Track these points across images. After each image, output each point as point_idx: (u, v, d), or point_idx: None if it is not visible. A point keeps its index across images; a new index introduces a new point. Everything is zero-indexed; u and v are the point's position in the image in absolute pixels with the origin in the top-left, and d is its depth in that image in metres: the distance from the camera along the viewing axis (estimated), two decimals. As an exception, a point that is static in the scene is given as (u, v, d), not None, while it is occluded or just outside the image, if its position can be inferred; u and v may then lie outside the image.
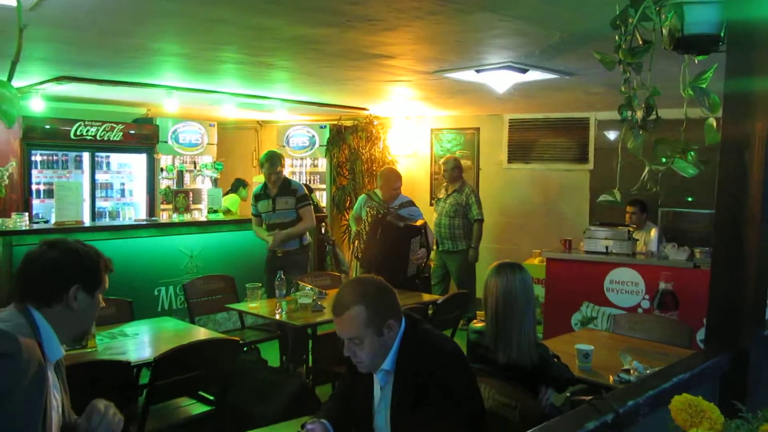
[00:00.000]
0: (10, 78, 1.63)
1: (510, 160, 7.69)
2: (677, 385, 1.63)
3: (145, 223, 6.15)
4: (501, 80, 4.64)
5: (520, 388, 2.48)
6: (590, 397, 1.55)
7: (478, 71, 4.51)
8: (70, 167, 7.50)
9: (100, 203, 7.72)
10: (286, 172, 7.95)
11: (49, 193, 6.97)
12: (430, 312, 4.35)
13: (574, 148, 7.23)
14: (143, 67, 4.84)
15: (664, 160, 1.89)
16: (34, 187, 7.13)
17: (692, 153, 1.86)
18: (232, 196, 7.98)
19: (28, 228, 5.32)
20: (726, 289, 1.96)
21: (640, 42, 1.85)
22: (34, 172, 7.14)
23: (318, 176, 8.93)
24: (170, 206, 7.64)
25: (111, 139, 7.56)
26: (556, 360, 2.74)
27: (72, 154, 7.50)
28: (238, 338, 3.55)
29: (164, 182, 8.16)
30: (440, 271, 6.67)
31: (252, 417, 3.45)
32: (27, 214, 5.62)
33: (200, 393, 3.50)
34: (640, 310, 5.02)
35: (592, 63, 3.92)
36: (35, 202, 7.08)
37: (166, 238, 6.04)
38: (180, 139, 8.25)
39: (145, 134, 7.94)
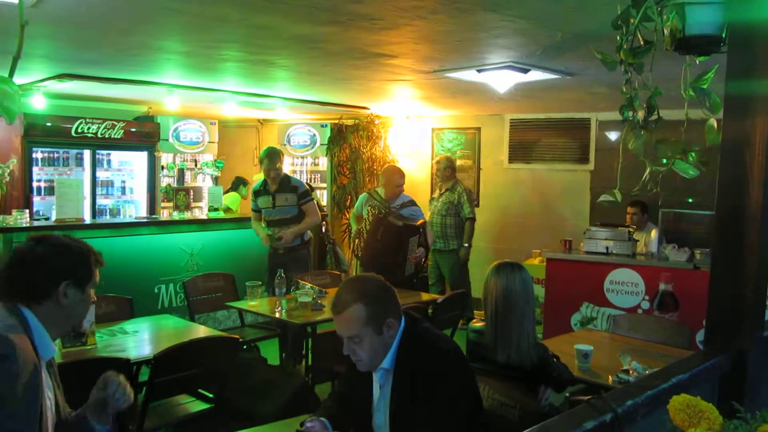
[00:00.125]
0: (11, 74, 1.63)
1: (511, 160, 7.69)
2: (676, 386, 1.63)
3: (145, 220, 6.15)
4: (502, 80, 4.64)
5: (520, 388, 2.48)
6: (589, 397, 1.55)
7: (479, 71, 4.51)
8: (71, 165, 7.51)
9: (100, 201, 7.73)
10: (287, 170, 7.97)
11: (50, 191, 6.97)
12: (430, 311, 4.35)
13: (575, 149, 7.22)
14: (144, 65, 4.85)
15: (665, 160, 1.89)
16: (34, 184, 7.13)
17: (693, 154, 1.86)
18: (233, 195, 7.98)
19: (28, 225, 5.32)
20: (725, 290, 1.96)
21: (642, 42, 1.85)
22: (35, 169, 7.14)
23: (319, 175, 8.94)
24: (171, 204, 7.66)
25: (112, 136, 7.56)
26: (555, 360, 2.74)
27: (73, 152, 7.50)
28: (237, 336, 3.55)
29: (165, 180, 8.17)
30: (437, 271, 6.69)
31: (251, 415, 3.46)
32: (28, 211, 5.62)
33: (200, 391, 3.50)
34: (639, 311, 5.02)
35: (594, 63, 3.93)
36: (36, 199, 7.08)
37: (166, 236, 6.04)
38: (181, 137, 8.26)
39: (146, 132, 7.94)
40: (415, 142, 8.36)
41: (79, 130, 7.29)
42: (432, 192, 8.09)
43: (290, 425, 2.28)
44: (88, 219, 6.58)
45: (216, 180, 8.68)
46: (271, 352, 5.03)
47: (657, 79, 1.88)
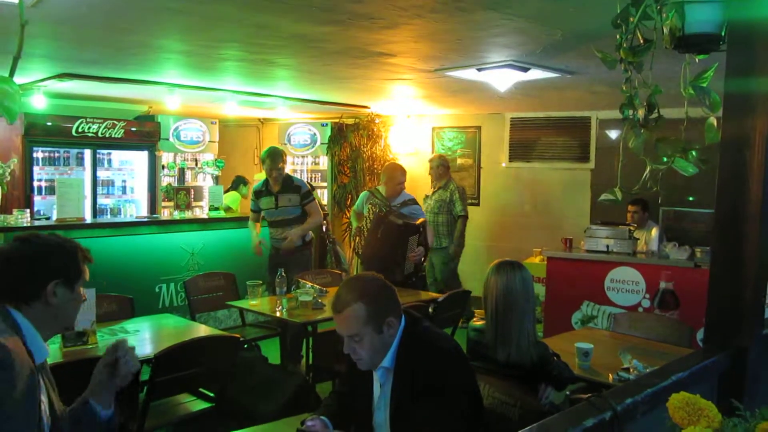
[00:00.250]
0: (11, 74, 1.63)
1: (511, 158, 7.69)
2: (675, 384, 1.63)
3: (146, 220, 6.15)
4: (502, 79, 4.64)
5: (520, 387, 2.48)
6: (589, 396, 1.55)
7: (479, 70, 4.51)
8: (72, 164, 7.52)
9: (101, 200, 7.73)
10: (288, 169, 7.96)
11: (51, 190, 6.97)
12: (430, 311, 4.35)
13: (576, 147, 7.23)
14: (145, 65, 4.85)
15: (665, 159, 1.89)
16: (35, 183, 7.14)
17: (693, 152, 1.86)
18: (233, 194, 7.99)
19: (29, 224, 5.32)
20: (725, 289, 1.96)
21: (641, 41, 1.85)
22: (35, 168, 7.15)
23: (319, 174, 8.94)
24: (171, 203, 7.67)
25: (112, 136, 7.57)
26: (555, 358, 2.74)
27: (73, 151, 7.51)
28: (238, 335, 3.55)
29: (165, 179, 8.17)
30: (432, 270, 6.70)
31: (252, 414, 3.46)
32: (28, 210, 5.62)
33: (200, 390, 3.51)
34: (640, 309, 5.02)
35: (594, 62, 3.93)
36: (37, 198, 7.09)
37: (167, 236, 6.05)
38: (181, 136, 8.26)
39: (146, 131, 7.94)
40: (416, 141, 8.36)
41: (80, 130, 7.29)
42: (432, 191, 8.11)
43: (291, 424, 2.29)
44: (88, 218, 6.58)
45: (217, 179, 8.68)
46: (271, 351, 5.04)
47: (657, 77, 1.88)
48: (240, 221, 6.47)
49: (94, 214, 7.52)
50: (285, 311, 4.13)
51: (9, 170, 5.96)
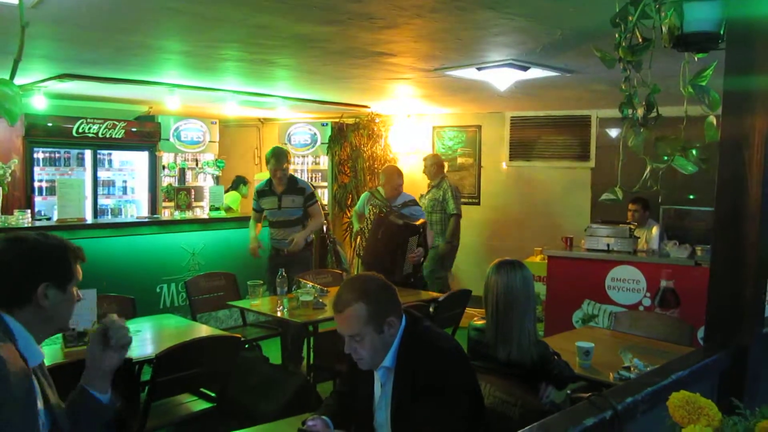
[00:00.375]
0: (12, 76, 1.63)
1: (512, 157, 7.69)
2: (676, 382, 1.63)
3: (147, 220, 6.16)
4: (502, 78, 4.64)
5: (521, 386, 2.49)
6: (589, 394, 1.55)
7: (479, 69, 4.51)
8: (73, 165, 7.52)
9: (102, 201, 7.74)
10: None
11: (52, 191, 6.98)
12: (431, 310, 4.35)
13: (576, 146, 7.22)
14: (145, 65, 4.85)
15: (665, 158, 1.90)
16: (36, 184, 7.15)
17: (693, 150, 1.86)
18: (233, 194, 7.99)
19: (30, 225, 5.33)
20: (725, 287, 1.96)
21: (640, 40, 1.85)
22: (36, 169, 7.16)
23: (319, 174, 8.94)
24: (172, 204, 7.68)
25: (113, 136, 7.57)
26: (556, 357, 2.74)
27: (74, 152, 7.51)
28: (239, 335, 3.56)
29: (166, 180, 8.18)
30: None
31: (253, 414, 3.47)
32: (29, 211, 5.63)
33: (202, 390, 3.51)
34: (641, 308, 5.02)
35: (593, 60, 3.93)
36: (37, 199, 7.10)
37: (168, 236, 6.05)
38: (182, 136, 8.27)
39: (147, 132, 7.95)
40: (416, 140, 8.36)
41: (80, 130, 7.30)
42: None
43: (292, 424, 2.29)
44: (89, 219, 6.59)
45: (217, 179, 8.69)
46: (272, 351, 5.05)
47: (656, 76, 1.88)
48: (240, 221, 6.47)
49: (95, 214, 7.53)
50: (286, 311, 4.13)
51: (10, 171, 5.95)
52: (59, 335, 3.09)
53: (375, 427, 2.21)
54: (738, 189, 1.89)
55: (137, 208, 8.03)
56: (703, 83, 1.83)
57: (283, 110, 7.54)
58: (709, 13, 1.78)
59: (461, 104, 7.34)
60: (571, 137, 7.26)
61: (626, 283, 5.16)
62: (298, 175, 7.35)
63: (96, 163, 7.63)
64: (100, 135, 7.45)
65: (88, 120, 7.35)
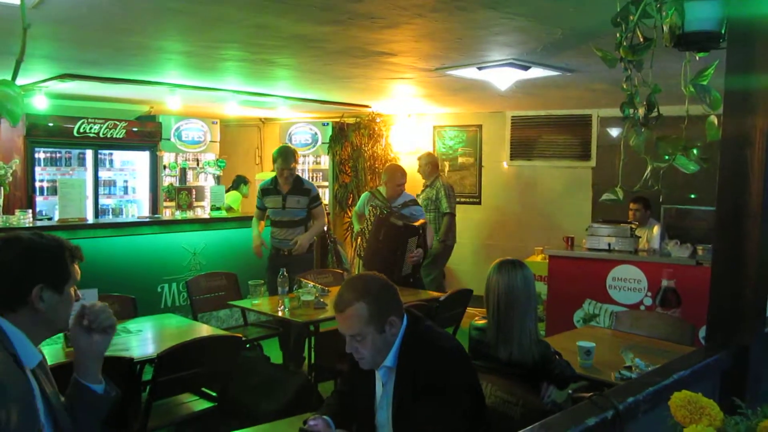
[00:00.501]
0: (14, 77, 1.64)
1: (512, 157, 7.69)
2: (677, 382, 1.63)
3: (148, 220, 6.16)
4: (503, 77, 4.64)
5: (522, 385, 2.48)
6: (591, 394, 1.55)
7: (480, 68, 4.51)
8: (74, 164, 7.53)
9: (103, 200, 7.74)
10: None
11: (53, 191, 6.99)
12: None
13: (577, 146, 7.22)
14: (146, 65, 4.85)
15: (666, 157, 1.89)
16: (37, 184, 7.16)
17: (694, 150, 1.86)
18: (234, 193, 7.99)
19: (31, 225, 5.33)
20: (726, 287, 1.96)
21: (641, 39, 1.85)
22: (37, 169, 7.16)
23: (320, 173, 8.94)
24: (173, 203, 7.67)
25: (114, 136, 7.58)
26: (557, 357, 2.74)
27: (75, 152, 7.52)
28: (240, 335, 3.56)
29: (167, 179, 8.18)
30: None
31: (254, 413, 3.47)
32: (30, 211, 5.63)
33: (203, 389, 3.51)
34: (642, 308, 5.02)
35: (594, 60, 3.93)
36: (39, 199, 7.10)
37: (169, 236, 6.06)
38: (183, 136, 8.27)
39: (148, 132, 7.95)
40: (417, 140, 8.36)
41: (81, 130, 7.30)
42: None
43: (293, 424, 2.29)
44: (90, 219, 6.59)
45: (218, 179, 8.69)
46: (273, 350, 5.05)
47: (657, 75, 1.88)
48: (241, 221, 6.47)
49: (96, 214, 7.54)
50: (287, 311, 4.13)
51: (11, 171, 5.95)
52: (61, 334, 3.09)
53: (376, 426, 2.22)
54: (739, 188, 1.89)
55: (138, 208, 8.04)
56: (704, 82, 1.83)
57: (284, 110, 7.54)
58: (710, 12, 1.78)
59: (462, 104, 7.34)
60: (572, 137, 7.26)
61: (627, 283, 5.16)
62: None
63: (97, 163, 7.63)
64: (101, 135, 7.46)
65: (89, 120, 7.35)
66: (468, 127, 8.02)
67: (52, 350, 3.06)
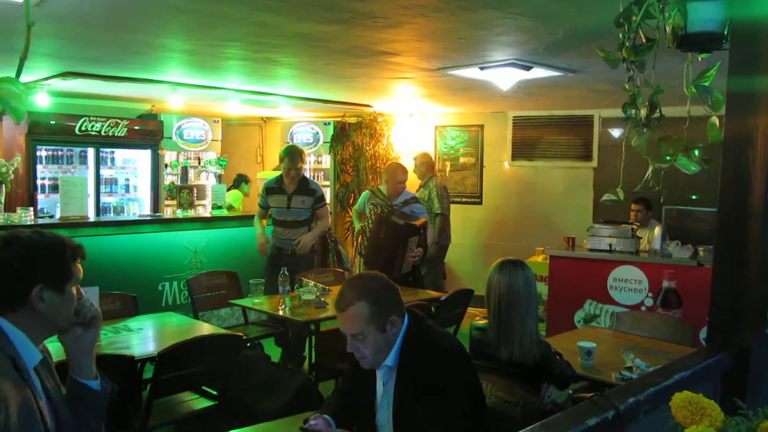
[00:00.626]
0: (18, 75, 1.64)
1: (514, 157, 7.69)
2: (678, 383, 1.63)
3: (149, 218, 6.17)
4: (505, 77, 4.64)
5: (523, 385, 2.49)
6: (591, 394, 1.55)
7: (482, 68, 4.51)
8: (75, 162, 7.53)
9: (104, 198, 7.74)
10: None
11: (54, 189, 6.99)
12: (433, 309, 4.35)
13: (579, 146, 7.22)
14: (148, 63, 4.86)
15: (667, 157, 1.90)
16: (39, 182, 7.15)
17: (696, 151, 1.86)
18: (235, 192, 7.99)
19: (33, 223, 5.34)
20: (728, 287, 1.96)
21: (644, 40, 1.85)
22: (39, 167, 7.16)
23: (322, 173, 8.94)
24: (174, 202, 7.67)
25: (116, 134, 7.57)
26: (558, 357, 2.74)
27: (77, 150, 7.52)
28: (241, 334, 3.56)
29: (168, 178, 8.18)
30: None
31: (255, 412, 3.47)
32: (32, 209, 5.64)
33: (203, 388, 3.52)
34: (643, 308, 5.02)
35: (596, 60, 3.93)
36: (40, 197, 7.10)
37: (170, 234, 6.06)
38: (184, 135, 8.27)
39: (149, 130, 7.95)
40: (418, 139, 8.36)
41: (83, 128, 7.30)
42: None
43: (293, 423, 2.29)
44: (92, 217, 6.59)
45: (219, 178, 8.69)
46: (274, 349, 5.05)
47: (659, 76, 1.88)
48: (242, 220, 6.48)
49: (98, 212, 7.53)
50: (288, 310, 4.13)
51: (12, 168, 5.96)
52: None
53: (377, 426, 2.22)
54: (741, 189, 1.89)
55: (140, 206, 8.04)
56: (706, 83, 1.83)
57: (286, 109, 7.54)
58: (712, 13, 1.78)
59: (464, 104, 7.34)
60: (573, 137, 7.26)
61: (628, 284, 5.16)
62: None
63: (99, 161, 7.63)
64: (102, 133, 7.46)
65: (91, 118, 7.35)
66: (470, 127, 8.02)
67: (54, 348, 3.05)
